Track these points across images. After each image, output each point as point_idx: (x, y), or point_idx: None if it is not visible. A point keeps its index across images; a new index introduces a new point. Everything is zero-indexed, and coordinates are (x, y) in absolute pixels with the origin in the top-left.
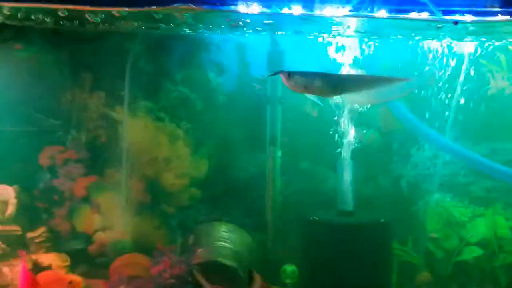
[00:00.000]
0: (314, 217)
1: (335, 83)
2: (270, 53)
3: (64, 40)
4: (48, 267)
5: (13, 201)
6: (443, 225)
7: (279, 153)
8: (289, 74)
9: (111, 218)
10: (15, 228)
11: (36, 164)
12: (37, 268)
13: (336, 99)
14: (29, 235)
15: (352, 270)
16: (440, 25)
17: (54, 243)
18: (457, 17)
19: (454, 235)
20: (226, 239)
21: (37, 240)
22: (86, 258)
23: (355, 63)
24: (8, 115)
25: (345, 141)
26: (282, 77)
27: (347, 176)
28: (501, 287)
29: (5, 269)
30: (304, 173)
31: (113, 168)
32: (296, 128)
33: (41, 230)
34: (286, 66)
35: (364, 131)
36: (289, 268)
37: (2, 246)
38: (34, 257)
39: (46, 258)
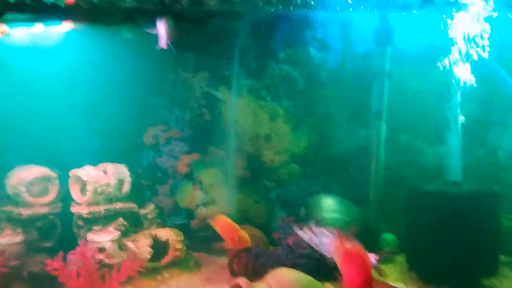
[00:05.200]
0: (427, 188)
1: None
2: (378, 30)
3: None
4: (166, 242)
5: (128, 179)
6: None
7: (384, 128)
8: None
9: (212, 193)
10: (133, 205)
11: (140, 143)
12: (157, 242)
13: None
14: (142, 211)
15: (462, 238)
16: None
17: (160, 219)
18: None
19: None
20: (336, 210)
21: (149, 217)
22: (188, 233)
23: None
24: (113, 95)
25: (448, 112)
26: None
27: (455, 146)
28: None
29: (130, 244)
30: (404, 146)
31: (215, 145)
32: (398, 102)
33: (151, 207)
34: (393, 43)
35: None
36: (389, 236)
37: (124, 223)
38: (153, 232)
39: (164, 233)
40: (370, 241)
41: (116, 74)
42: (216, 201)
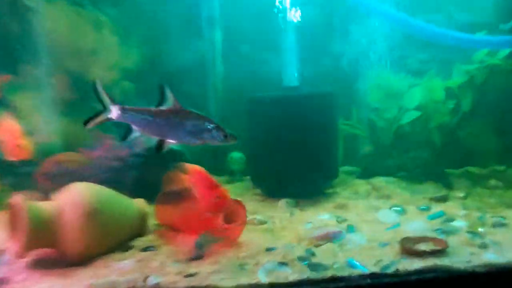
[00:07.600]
0: (261, 94)
1: None
2: None
3: None
4: None
5: None
6: (383, 96)
7: (219, 36)
8: None
9: (33, 121)
10: None
11: None
12: None
13: None
14: None
15: (300, 146)
16: None
17: None
18: None
19: (393, 105)
20: None
21: None
22: (11, 169)
23: None
24: None
25: (287, 20)
26: None
27: (291, 53)
28: (436, 147)
29: None
30: (245, 57)
31: (29, 64)
32: (235, 8)
33: None
34: None
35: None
36: (237, 154)
37: None
38: None
39: None
40: (218, 160)
41: None
42: (38, 129)
